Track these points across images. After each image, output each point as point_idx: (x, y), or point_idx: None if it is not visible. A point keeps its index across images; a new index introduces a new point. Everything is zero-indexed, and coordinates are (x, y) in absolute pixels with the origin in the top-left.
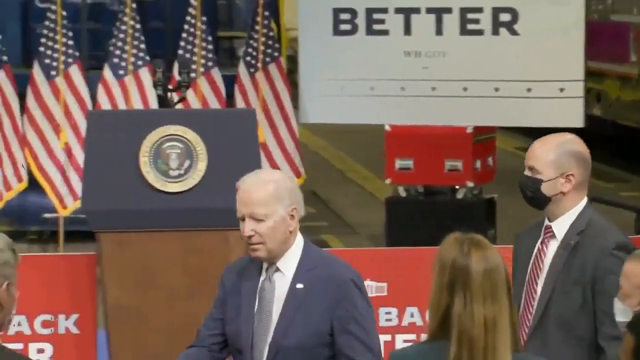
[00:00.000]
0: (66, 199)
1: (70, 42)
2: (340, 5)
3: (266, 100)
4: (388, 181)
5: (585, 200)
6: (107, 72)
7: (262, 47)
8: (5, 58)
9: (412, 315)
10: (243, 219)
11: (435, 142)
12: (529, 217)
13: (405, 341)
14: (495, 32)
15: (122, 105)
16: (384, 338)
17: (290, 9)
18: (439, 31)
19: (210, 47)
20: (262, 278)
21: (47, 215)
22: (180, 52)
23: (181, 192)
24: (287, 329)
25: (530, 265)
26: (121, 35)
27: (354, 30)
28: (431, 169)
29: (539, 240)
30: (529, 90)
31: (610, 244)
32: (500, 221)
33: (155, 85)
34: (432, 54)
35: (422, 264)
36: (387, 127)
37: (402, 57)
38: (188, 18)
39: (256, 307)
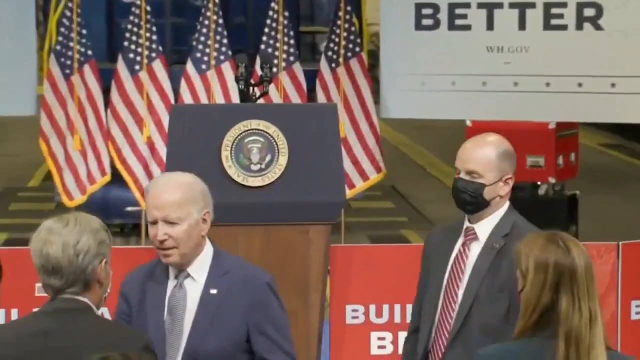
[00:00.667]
0: None
1: (154, 37)
2: (423, 0)
3: (347, 95)
4: None
5: (508, 202)
6: (189, 67)
7: (343, 42)
8: (90, 53)
9: None
10: (154, 223)
11: (517, 138)
12: (611, 214)
13: None
14: (579, 27)
15: (204, 100)
16: None
17: (372, 3)
18: (521, 26)
19: (292, 42)
20: (170, 285)
21: (129, 208)
22: (263, 47)
23: (262, 187)
24: (202, 336)
25: (449, 268)
26: (204, 30)
27: (436, 25)
28: None
29: (459, 243)
30: (613, 85)
31: None
32: (582, 218)
33: (237, 80)
34: (515, 49)
35: None
36: (468, 123)
37: (484, 52)
38: (270, 13)
39: (165, 315)
